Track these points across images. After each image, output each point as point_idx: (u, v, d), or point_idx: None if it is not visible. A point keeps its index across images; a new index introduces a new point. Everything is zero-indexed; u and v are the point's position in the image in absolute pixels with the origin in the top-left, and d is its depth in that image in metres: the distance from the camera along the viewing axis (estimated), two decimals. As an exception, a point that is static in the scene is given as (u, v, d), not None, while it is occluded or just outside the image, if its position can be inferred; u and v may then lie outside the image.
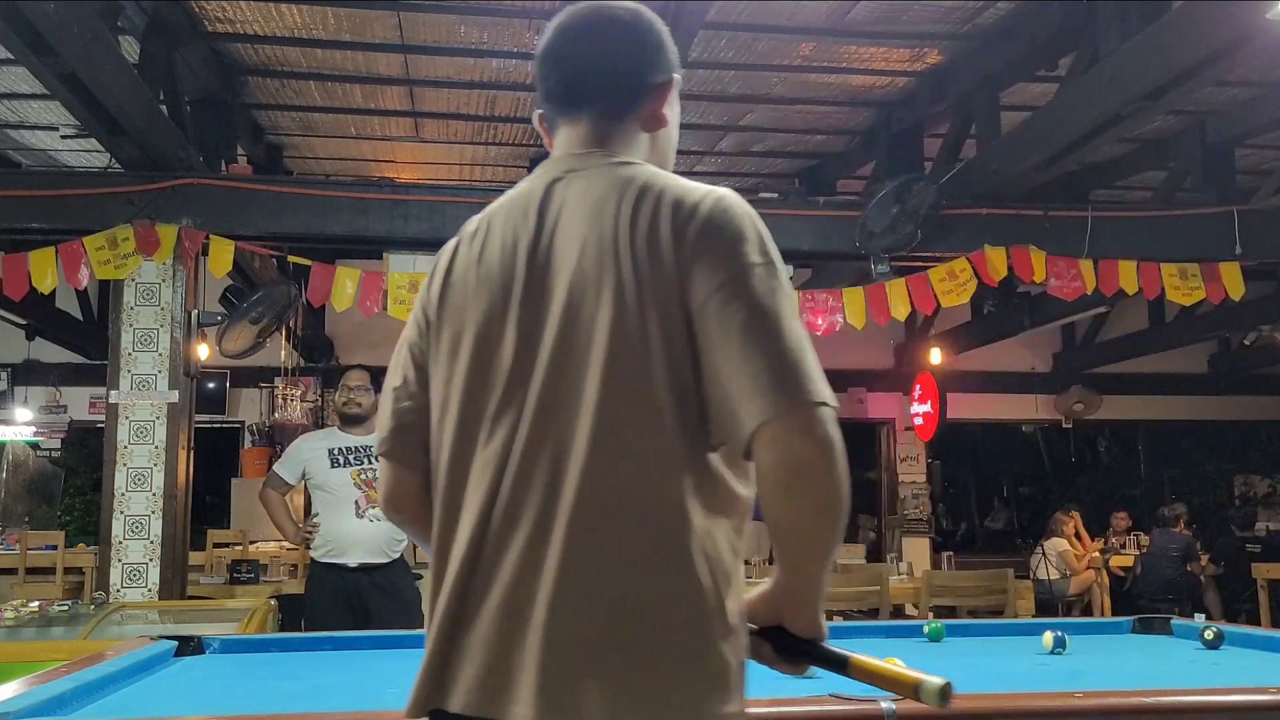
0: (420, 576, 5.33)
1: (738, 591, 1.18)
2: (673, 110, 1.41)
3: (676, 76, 1.40)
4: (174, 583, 5.10)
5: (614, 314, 1.15)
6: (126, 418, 5.13)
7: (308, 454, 4.46)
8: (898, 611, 6.56)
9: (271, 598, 4.97)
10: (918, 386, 9.61)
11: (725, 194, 1.23)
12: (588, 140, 1.32)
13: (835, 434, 1.11)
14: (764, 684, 2.17)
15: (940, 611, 6.33)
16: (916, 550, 9.62)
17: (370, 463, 4.38)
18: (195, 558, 6.00)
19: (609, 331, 1.15)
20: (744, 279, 1.14)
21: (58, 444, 9.53)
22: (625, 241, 1.17)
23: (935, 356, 9.30)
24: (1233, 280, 5.79)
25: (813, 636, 1.23)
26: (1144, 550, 8.95)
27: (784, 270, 1.18)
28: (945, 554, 7.84)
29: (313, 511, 4.48)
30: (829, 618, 7.16)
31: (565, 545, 1.11)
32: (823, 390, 1.11)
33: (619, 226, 1.19)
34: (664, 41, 1.41)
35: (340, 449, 4.41)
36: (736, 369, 1.10)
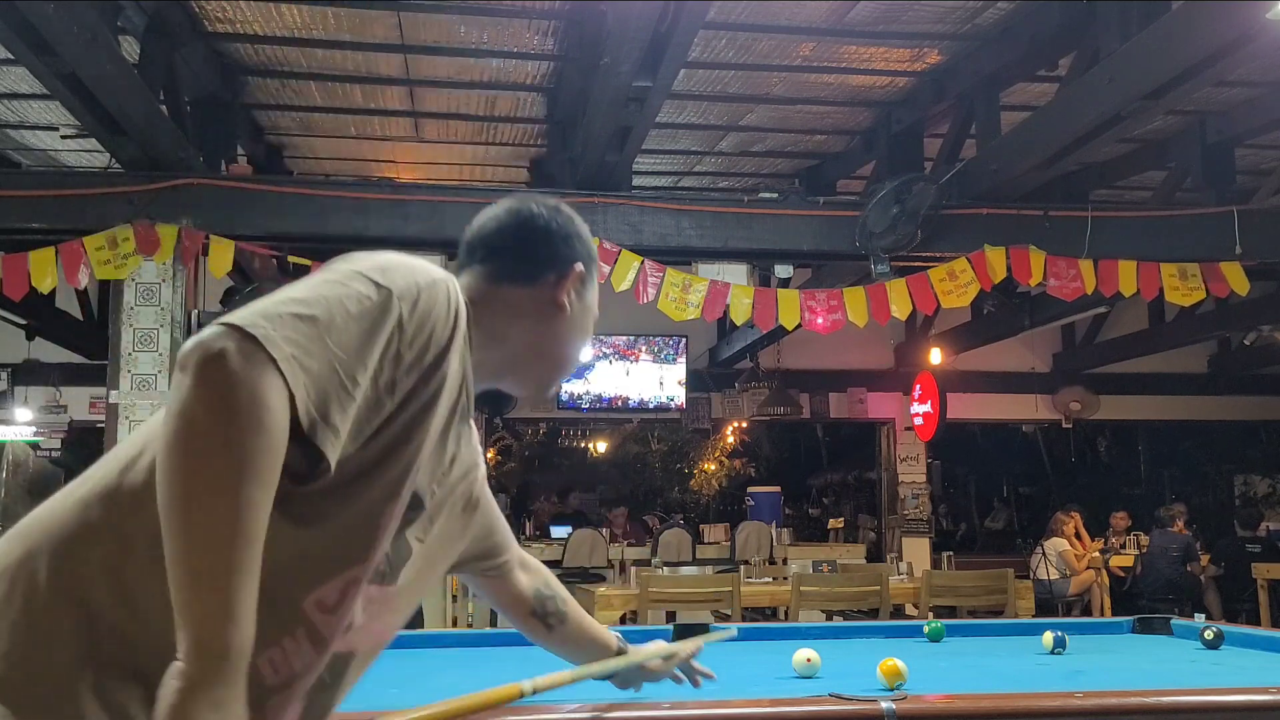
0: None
1: None
2: (581, 302, 1.44)
3: (579, 268, 1.43)
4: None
5: None
6: (127, 418, 5.13)
7: None
8: (898, 611, 6.56)
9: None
10: (918, 386, 9.61)
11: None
12: (465, 290, 1.35)
13: (221, 365, 0.97)
14: (763, 683, 2.18)
15: (940, 611, 6.33)
16: (916, 550, 9.62)
17: None
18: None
19: None
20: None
21: (58, 444, 9.52)
22: None
23: (935, 356, 9.30)
24: (1236, 277, 5.79)
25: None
26: (1144, 550, 8.95)
27: (355, 309, 1.10)
28: (945, 554, 7.84)
29: None
30: (828, 618, 7.15)
31: None
32: (233, 325, 1.00)
33: None
34: (571, 233, 1.44)
35: None
36: None
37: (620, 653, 1.75)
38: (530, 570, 1.74)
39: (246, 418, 0.97)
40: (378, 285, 1.12)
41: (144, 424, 1.19)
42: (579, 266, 1.43)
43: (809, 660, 2.22)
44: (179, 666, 0.94)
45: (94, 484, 1.12)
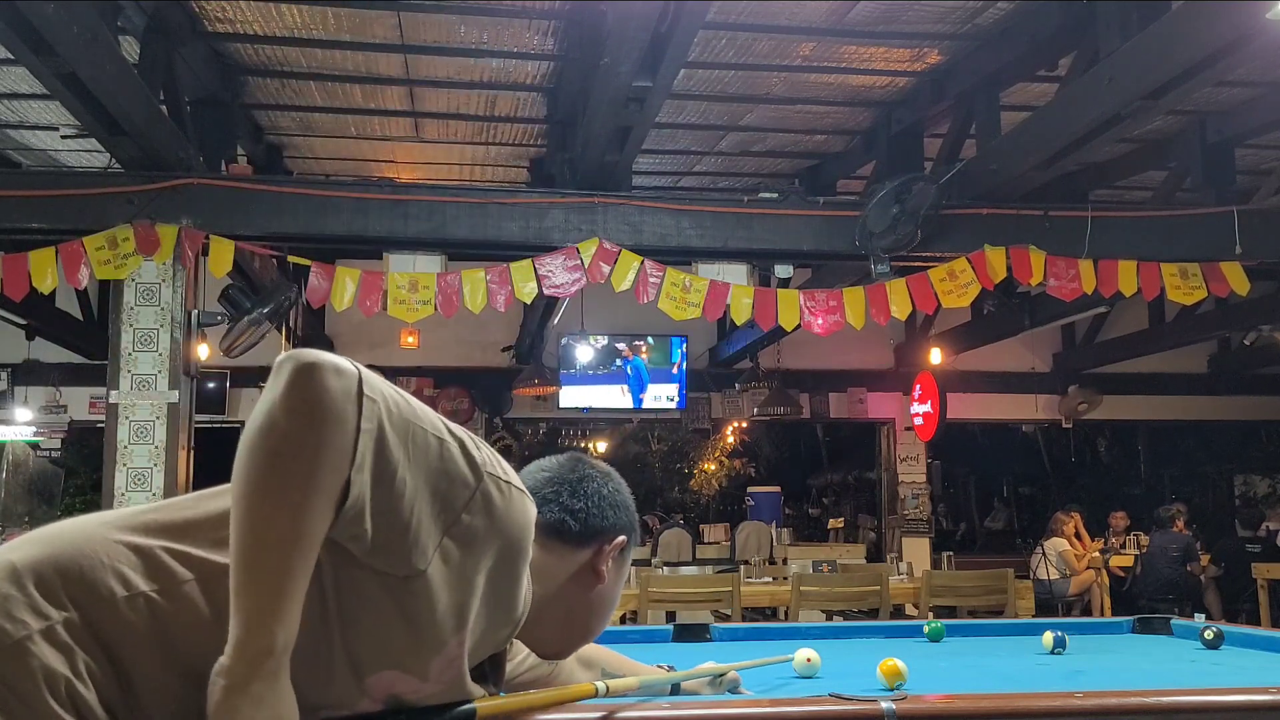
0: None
1: None
2: (616, 573, 1.46)
3: (621, 539, 1.44)
4: (174, 583, 5.09)
5: None
6: (126, 418, 5.13)
7: None
8: (898, 611, 6.57)
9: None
10: (918, 386, 9.61)
11: None
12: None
13: (310, 375, 1.02)
14: (763, 683, 2.17)
15: (940, 611, 6.33)
16: (916, 550, 9.62)
17: None
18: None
19: None
20: None
21: (58, 444, 9.53)
22: None
23: (935, 356, 9.30)
24: (1236, 277, 5.78)
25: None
26: (1144, 550, 8.95)
27: (448, 438, 1.14)
28: (945, 554, 7.84)
29: None
30: (828, 618, 7.16)
31: None
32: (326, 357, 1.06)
33: None
34: (619, 502, 1.46)
35: None
36: None
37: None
38: (587, 664, 1.74)
39: (326, 430, 1.01)
40: (478, 447, 1.16)
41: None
42: (621, 538, 1.44)
43: (809, 660, 2.22)
44: (223, 664, 1.00)
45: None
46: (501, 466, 1.19)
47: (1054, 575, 8.87)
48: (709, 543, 9.98)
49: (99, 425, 5.63)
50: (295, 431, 1.01)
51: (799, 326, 5.86)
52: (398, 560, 1.09)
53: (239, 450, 1.04)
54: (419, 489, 1.08)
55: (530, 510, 1.21)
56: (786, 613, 6.48)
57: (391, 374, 9.26)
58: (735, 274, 5.72)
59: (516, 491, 1.19)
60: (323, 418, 1.01)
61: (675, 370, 9.19)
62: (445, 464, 1.11)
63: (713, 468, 16.05)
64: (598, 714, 1.43)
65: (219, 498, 1.17)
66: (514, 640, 1.46)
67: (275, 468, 1.01)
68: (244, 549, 1.02)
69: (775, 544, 9.55)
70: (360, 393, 1.04)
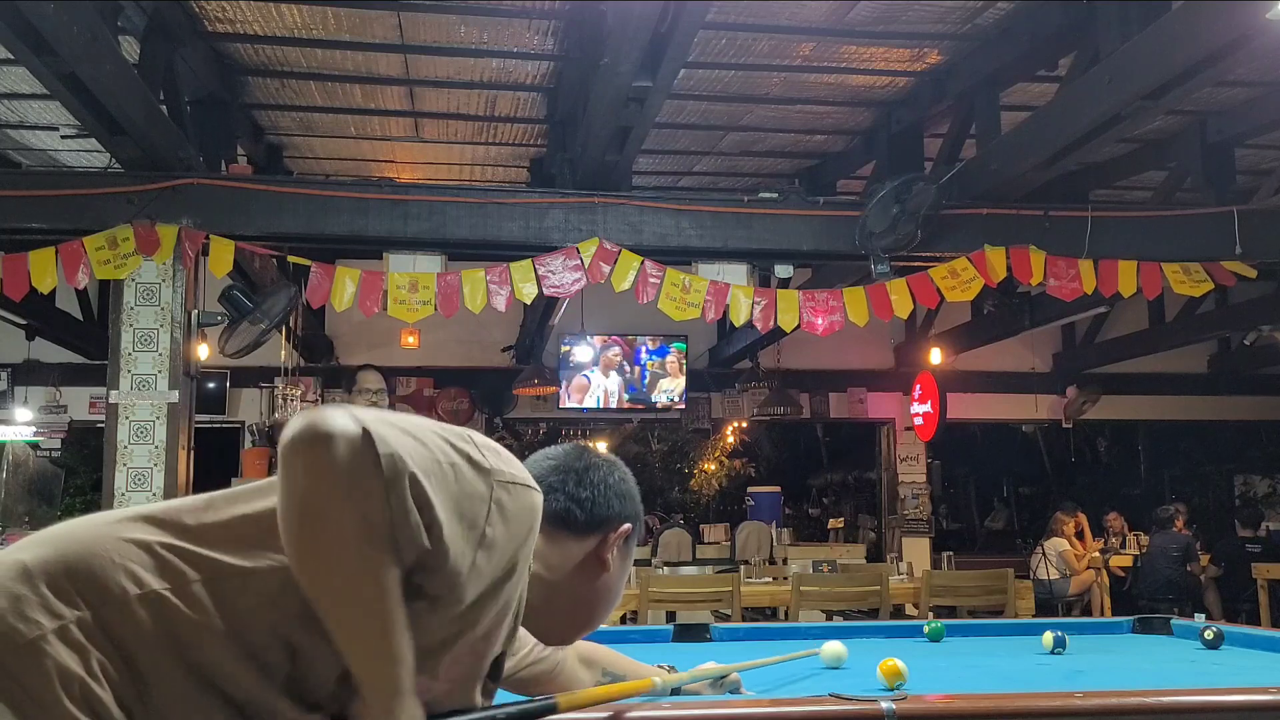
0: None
1: None
2: (622, 561, 1.48)
3: (626, 528, 1.46)
4: (174, 583, 5.09)
5: None
6: (126, 418, 5.13)
7: None
8: (898, 611, 6.56)
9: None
10: (918, 386, 9.61)
11: None
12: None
13: (321, 441, 1.03)
14: (762, 683, 2.17)
15: (940, 611, 6.33)
16: (916, 550, 9.62)
17: None
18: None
19: None
20: None
21: (58, 444, 9.53)
22: None
23: (935, 356, 9.30)
24: (1240, 267, 5.78)
25: None
26: (1144, 550, 8.96)
27: (456, 458, 1.16)
28: (945, 554, 7.84)
29: None
30: (828, 618, 7.15)
31: None
32: (338, 420, 1.06)
33: None
34: (624, 491, 1.48)
35: None
36: None
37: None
38: (588, 664, 1.76)
39: (360, 505, 1.03)
40: (482, 451, 1.17)
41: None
42: (627, 526, 1.46)
43: (837, 654, 2.25)
44: None
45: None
46: (503, 460, 1.20)
47: (1054, 575, 8.87)
48: (709, 543, 9.97)
49: (99, 425, 5.63)
50: (334, 517, 1.03)
51: (799, 326, 5.86)
52: (447, 584, 1.12)
53: (288, 543, 1.06)
54: (449, 519, 1.10)
55: (537, 502, 1.23)
56: (786, 613, 6.48)
57: (391, 374, 9.31)
58: (735, 274, 5.72)
59: (521, 487, 1.20)
60: (352, 496, 1.03)
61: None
62: (461, 486, 1.12)
63: (713, 468, 16.05)
64: (604, 714, 1.43)
65: (232, 503, 1.17)
66: (516, 637, 1.47)
67: (330, 555, 1.04)
68: (343, 629, 1.06)
69: (775, 544, 9.54)
70: (376, 455, 1.04)
